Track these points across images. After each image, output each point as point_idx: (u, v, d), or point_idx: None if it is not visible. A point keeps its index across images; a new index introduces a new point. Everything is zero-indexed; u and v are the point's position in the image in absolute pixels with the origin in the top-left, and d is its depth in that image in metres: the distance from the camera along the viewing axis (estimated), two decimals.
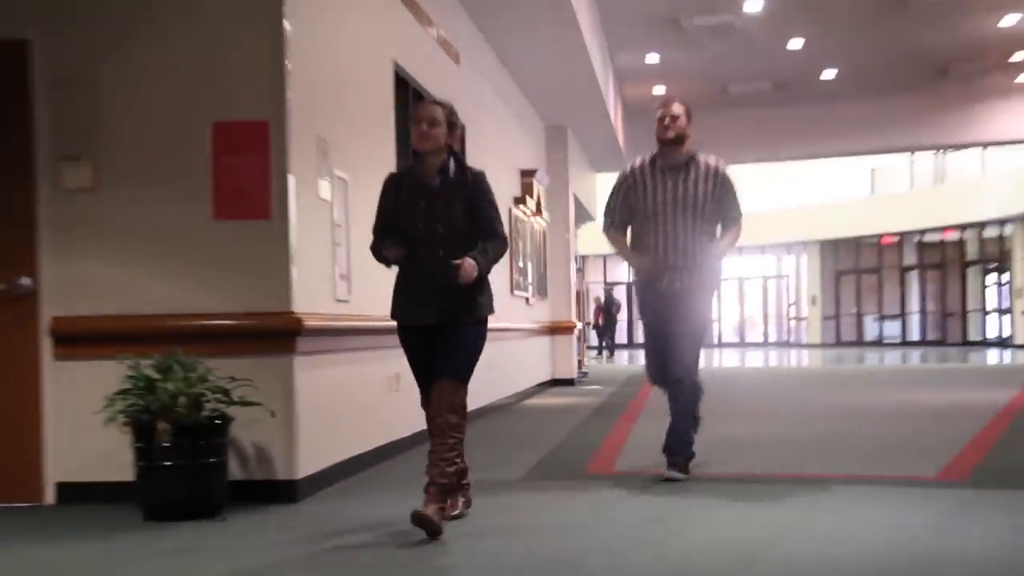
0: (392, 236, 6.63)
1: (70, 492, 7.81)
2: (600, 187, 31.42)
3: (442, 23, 12.79)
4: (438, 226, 6.56)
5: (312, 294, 8.08)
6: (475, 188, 6.70)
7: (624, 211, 8.65)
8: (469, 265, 6.45)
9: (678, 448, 8.34)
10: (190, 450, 7.02)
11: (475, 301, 6.70)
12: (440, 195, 6.59)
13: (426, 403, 6.83)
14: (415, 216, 6.57)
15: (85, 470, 7.72)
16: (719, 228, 8.61)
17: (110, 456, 7.43)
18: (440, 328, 6.66)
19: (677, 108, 8.45)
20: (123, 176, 7.88)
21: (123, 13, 7.95)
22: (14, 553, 6.41)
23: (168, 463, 6.99)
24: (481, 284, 6.72)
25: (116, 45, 7.94)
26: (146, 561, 6.11)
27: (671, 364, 8.38)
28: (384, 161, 10.17)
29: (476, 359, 6.78)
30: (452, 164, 6.67)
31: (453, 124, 6.67)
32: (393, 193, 6.75)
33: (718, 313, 52.10)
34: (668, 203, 8.37)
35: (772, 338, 50.78)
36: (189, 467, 7.02)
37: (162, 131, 7.87)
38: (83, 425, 7.43)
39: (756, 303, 51.90)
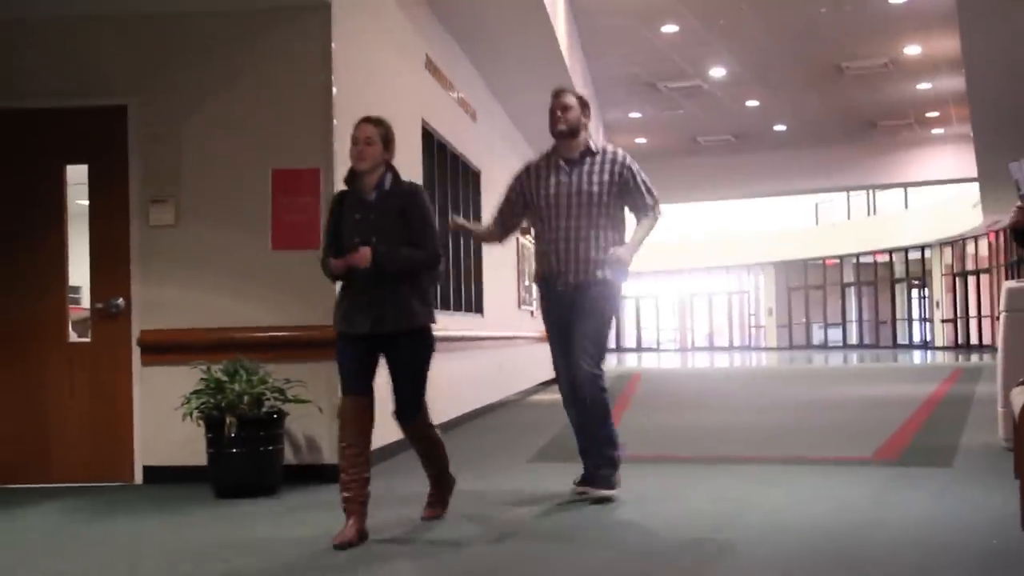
0: (339, 252, 5.73)
1: (154, 473, 7.78)
2: None
3: (461, 87, 12.78)
4: (372, 238, 5.62)
5: None
6: (408, 201, 5.83)
7: (506, 206, 7.01)
8: (363, 250, 5.55)
9: (605, 461, 6.59)
10: (252, 440, 7.01)
11: (408, 309, 5.75)
12: (375, 209, 5.73)
13: (351, 413, 5.78)
14: (352, 229, 5.71)
15: (166, 455, 7.70)
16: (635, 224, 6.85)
17: (187, 444, 7.39)
18: (381, 344, 5.79)
19: (569, 99, 6.81)
20: (199, 214, 7.87)
21: (200, 82, 7.96)
22: (111, 522, 6.45)
23: (234, 450, 6.96)
24: (415, 292, 5.82)
25: (195, 108, 7.96)
26: (216, 529, 6.10)
27: (573, 365, 6.57)
28: None
29: (425, 375, 6.00)
30: (389, 179, 5.83)
31: (388, 140, 5.85)
32: (337, 210, 5.91)
33: (658, 321, 52.47)
34: (563, 197, 6.62)
35: (736, 343, 50.64)
36: (252, 454, 7.01)
37: (231, 177, 7.87)
38: (165, 419, 7.39)
39: (723, 314, 51.77)
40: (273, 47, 7.89)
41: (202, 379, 7.06)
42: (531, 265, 18.44)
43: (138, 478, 7.83)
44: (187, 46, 8.00)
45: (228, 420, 6.91)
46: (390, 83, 9.57)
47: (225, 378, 7.02)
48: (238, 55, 7.94)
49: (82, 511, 6.81)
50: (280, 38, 7.88)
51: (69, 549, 5.73)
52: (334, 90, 7.81)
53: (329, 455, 7.60)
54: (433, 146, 11.20)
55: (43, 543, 5.95)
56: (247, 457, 6.99)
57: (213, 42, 7.97)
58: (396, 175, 5.90)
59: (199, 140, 7.92)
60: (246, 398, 6.98)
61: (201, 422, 7.08)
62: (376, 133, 5.78)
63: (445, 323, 11.02)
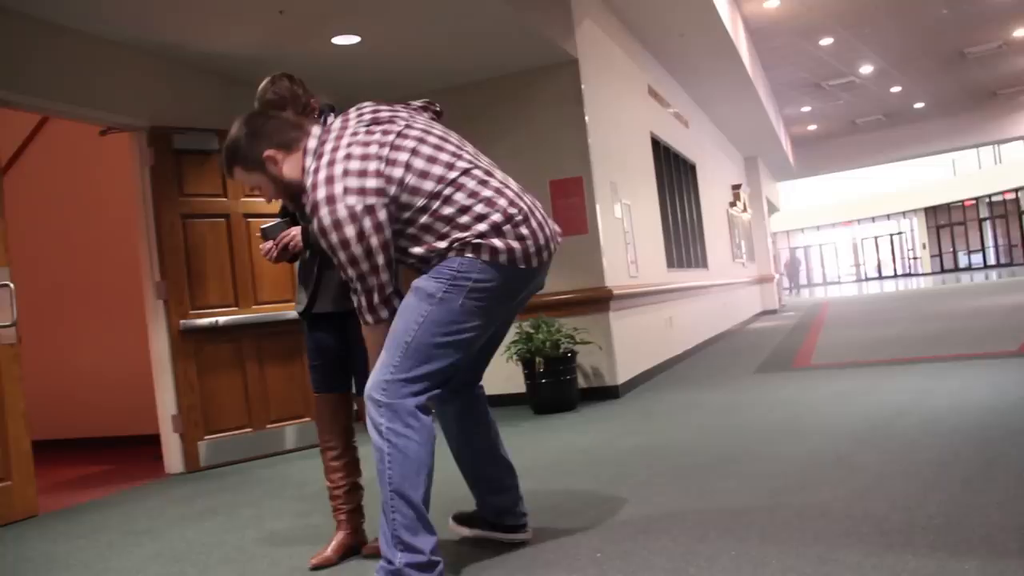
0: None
1: (493, 400, 8.03)
2: (781, 192, 30.58)
3: (675, 103, 12.66)
4: None
5: (616, 274, 8.12)
6: None
7: None
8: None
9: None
10: (555, 372, 7.13)
11: None
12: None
13: (331, 407, 3.60)
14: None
15: (499, 387, 7.93)
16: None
17: (511, 378, 7.65)
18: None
19: (242, 177, 3.05)
20: None
21: (494, 128, 8.14)
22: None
23: (544, 381, 7.12)
24: None
25: (494, 145, 8.15)
26: (538, 431, 6.21)
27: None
28: (648, 191, 10.13)
29: None
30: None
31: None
32: None
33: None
34: None
35: (899, 272, 48.29)
36: (556, 382, 7.15)
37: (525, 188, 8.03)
38: (495, 362, 7.65)
39: (887, 250, 49.36)
40: (542, 95, 8.03)
41: (516, 333, 7.24)
42: (739, 229, 18.19)
43: None
44: (484, 103, 8.22)
45: (537, 360, 7.10)
46: (624, 108, 9.58)
47: (532, 331, 7.19)
48: (520, 105, 8.10)
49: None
50: (545, 88, 8.00)
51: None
52: (586, 118, 7.89)
53: (609, 379, 7.73)
54: (660, 150, 11.16)
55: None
56: (553, 385, 7.16)
57: (502, 98, 8.15)
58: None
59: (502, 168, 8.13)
60: (548, 344, 7.12)
61: (519, 362, 7.28)
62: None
63: (683, 277, 11.06)
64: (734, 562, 2.91)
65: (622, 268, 8.39)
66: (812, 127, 25.64)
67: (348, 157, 2.77)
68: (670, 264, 10.68)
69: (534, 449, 5.63)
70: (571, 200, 7.85)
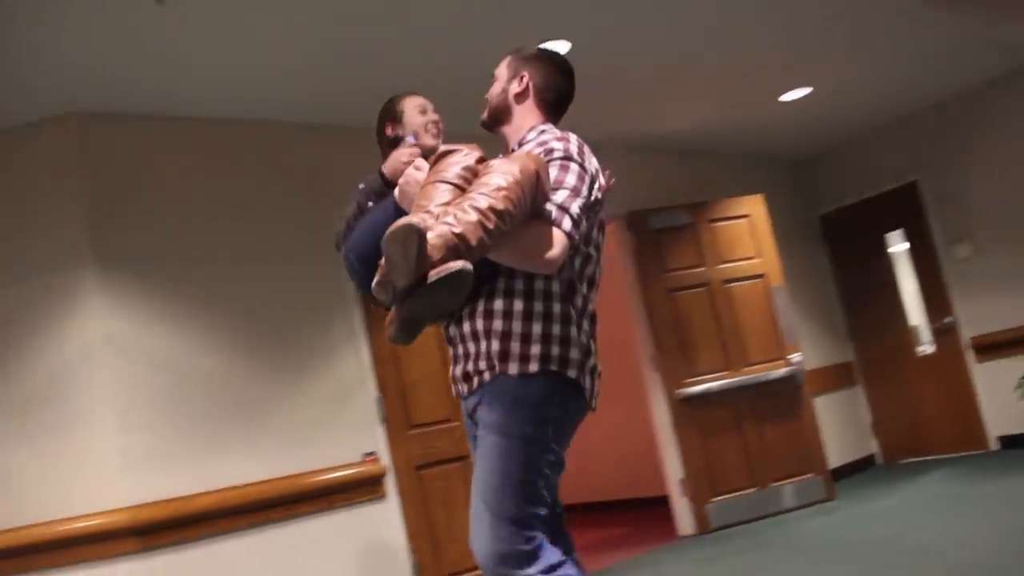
0: None
1: (1007, 441, 7.53)
2: None
3: None
4: None
5: None
6: None
7: None
8: None
9: None
10: None
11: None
12: None
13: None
14: None
15: (1012, 426, 7.45)
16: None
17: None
18: None
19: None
20: (987, 245, 7.63)
21: (970, 155, 7.75)
22: (980, 484, 6.26)
23: None
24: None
25: (970, 173, 7.76)
26: None
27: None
28: None
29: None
30: None
31: None
32: None
33: None
34: None
35: None
36: None
37: (1007, 212, 7.53)
38: (1006, 399, 7.23)
39: None
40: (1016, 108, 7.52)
41: None
42: None
43: (993, 446, 7.61)
44: (951, 133, 7.86)
45: None
46: None
47: None
48: (987, 126, 7.63)
49: (955, 477, 6.79)
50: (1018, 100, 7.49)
51: (956, 508, 5.73)
52: None
53: None
54: None
55: (937, 504, 5.98)
56: None
57: (979, 120, 7.72)
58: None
59: (986, 189, 7.72)
60: None
61: None
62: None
63: None
64: None
65: None
66: None
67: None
68: None
69: None
70: None
